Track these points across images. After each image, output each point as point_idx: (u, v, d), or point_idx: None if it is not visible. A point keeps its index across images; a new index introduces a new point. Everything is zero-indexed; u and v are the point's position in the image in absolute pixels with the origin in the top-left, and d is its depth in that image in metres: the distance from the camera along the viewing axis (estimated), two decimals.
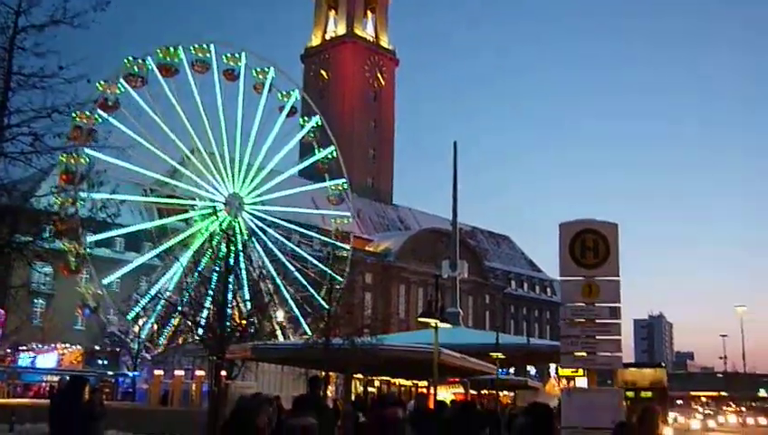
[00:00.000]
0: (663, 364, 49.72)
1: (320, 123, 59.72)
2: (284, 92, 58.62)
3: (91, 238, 49.00)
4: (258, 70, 56.98)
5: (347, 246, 59.91)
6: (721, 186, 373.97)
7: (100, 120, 48.48)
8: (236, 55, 56.21)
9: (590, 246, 7.62)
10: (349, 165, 63.58)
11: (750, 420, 76.75)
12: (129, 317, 49.78)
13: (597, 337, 7.59)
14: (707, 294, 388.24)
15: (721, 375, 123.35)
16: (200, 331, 25.92)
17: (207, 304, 25.77)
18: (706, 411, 79.55)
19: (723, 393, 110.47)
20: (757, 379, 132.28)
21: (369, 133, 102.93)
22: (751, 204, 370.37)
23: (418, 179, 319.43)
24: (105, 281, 51.14)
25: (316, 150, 59.88)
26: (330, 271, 35.88)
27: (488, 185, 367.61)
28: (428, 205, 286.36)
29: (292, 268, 51.59)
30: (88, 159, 40.60)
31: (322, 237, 60.24)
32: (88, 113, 45.92)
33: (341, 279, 53.32)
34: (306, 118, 60.04)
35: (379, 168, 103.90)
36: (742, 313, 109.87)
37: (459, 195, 47.37)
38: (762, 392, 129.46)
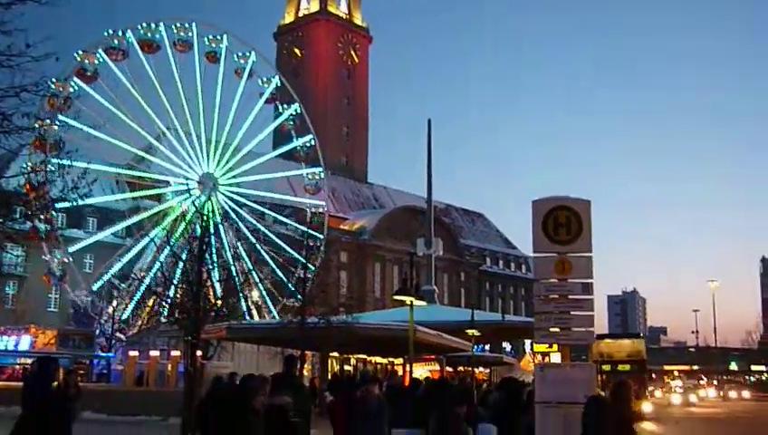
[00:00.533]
0: (642, 335, 45.75)
1: (298, 111, 59.40)
2: (264, 79, 58.33)
3: (61, 205, 48.59)
4: (239, 55, 56.71)
5: (321, 236, 59.88)
6: (694, 166, 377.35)
7: (76, 87, 48.06)
8: (218, 37, 55.77)
9: (563, 222, 7.65)
10: (323, 143, 63.29)
11: (732, 394, 74.00)
12: (107, 305, 49.51)
13: (570, 313, 7.63)
14: (680, 269, 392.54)
15: (693, 349, 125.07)
16: (175, 311, 25.83)
17: (182, 284, 25.65)
18: (686, 385, 75.60)
19: (695, 367, 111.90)
20: (728, 352, 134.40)
21: (342, 111, 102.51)
22: (718, 184, 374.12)
23: (393, 157, 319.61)
24: (72, 249, 50.68)
25: (294, 137, 59.61)
26: (301, 258, 35.75)
27: (463, 162, 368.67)
28: (403, 183, 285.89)
29: (266, 249, 51.48)
30: (61, 127, 40.32)
31: (296, 225, 60.06)
32: (64, 81, 45.54)
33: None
34: (285, 105, 59.54)
35: (353, 146, 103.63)
36: (714, 288, 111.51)
37: (434, 172, 47.48)
38: (733, 365, 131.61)
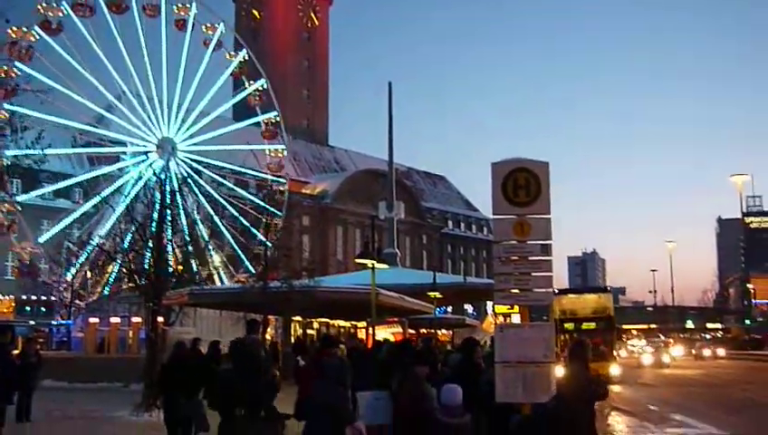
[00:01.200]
0: (609, 288, 40.65)
1: (247, 57, 58.46)
2: (209, 25, 56.62)
3: (22, 198, 47.97)
4: (180, 6, 55.06)
5: (283, 180, 59.40)
6: (652, 126, 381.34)
7: (37, 37, 47.39)
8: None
9: (522, 184, 7.68)
10: (282, 106, 62.65)
11: (706, 352, 68.26)
12: (66, 272, 48.94)
13: (529, 274, 7.70)
14: (639, 230, 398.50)
15: (651, 308, 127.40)
16: (135, 277, 25.64)
17: (142, 250, 25.43)
18: (656, 344, 68.16)
19: (652, 326, 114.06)
20: (685, 311, 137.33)
21: (302, 74, 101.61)
22: (674, 146, 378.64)
23: (354, 120, 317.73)
24: (41, 239, 50.16)
25: (246, 85, 58.72)
26: (267, 205, 35.51)
27: (424, 125, 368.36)
28: (364, 146, 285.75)
29: (227, 214, 51.14)
30: (21, 76, 39.48)
31: (258, 173, 59.50)
32: (26, 30, 44.76)
33: (280, 214, 53.07)
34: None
35: (313, 109, 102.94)
36: (671, 248, 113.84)
37: (395, 135, 47.49)
38: (689, 324, 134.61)
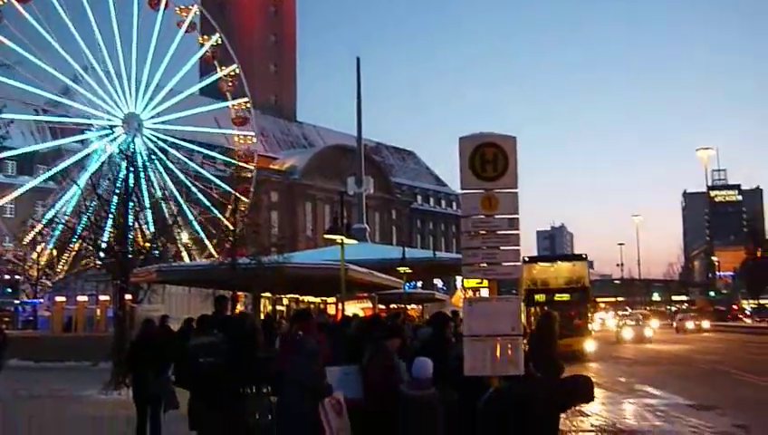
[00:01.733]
0: (585, 256, 35.94)
1: (220, 41, 57.90)
2: (182, 7, 56.42)
3: None
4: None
5: (251, 166, 59.05)
6: (615, 101, 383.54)
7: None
8: None
9: (490, 159, 7.68)
10: (250, 81, 62.11)
11: (690, 325, 62.14)
12: (25, 243, 48.30)
13: (497, 248, 7.73)
14: (607, 205, 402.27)
15: (618, 281, 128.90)
16: (102, 255, 25.42)
17: (108, 227, 25.21)
18: (636, 316, 61.48)
19: (620, 299, 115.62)
20: (651, 284, 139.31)
21: (270, 48, 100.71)
22: (639, 119, 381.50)
23: (323, 96, 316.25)
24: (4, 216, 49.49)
25: (218, 69, 58.18)
26: (234, 192, 35.33)
27: (393, 101, 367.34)
28: (333, 121, 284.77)
29: (196, 189, 50.70)
30: None
31: (226, 158, 59.10)
32: None
33: (247, 199, 52.75)
34: (206, 36, 57.98)
35: (281, 84, 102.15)
36: (638, 222, 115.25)
37: (364, 111, 47.22)
38: (655, 296, 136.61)
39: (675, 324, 65.87)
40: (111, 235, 24.40)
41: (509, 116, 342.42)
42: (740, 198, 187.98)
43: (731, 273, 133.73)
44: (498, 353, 7.46)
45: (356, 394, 9.32)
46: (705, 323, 64.84)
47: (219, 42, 57.72)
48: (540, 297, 31.78)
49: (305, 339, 9.27)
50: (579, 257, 36.85)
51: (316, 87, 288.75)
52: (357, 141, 49.23)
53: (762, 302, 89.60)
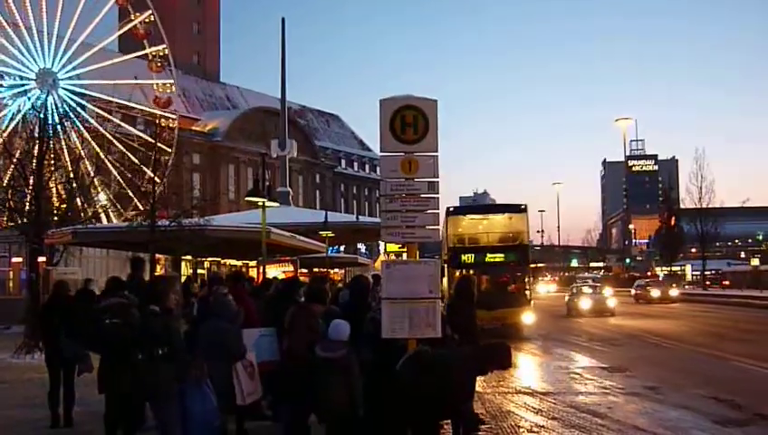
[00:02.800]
0: (524, 206, 28.25)
1: (152, 19, 55.99)
2: None
3: None
4: None
5: (173, 115, 57.64)
6: (542, 69, 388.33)
7: None
8: None
9: (410, 122, 7.68)
10: (171, 40, 60.35)
11: (655, 293, 51.69)
12: None
13: (416, 211, 7.76)
14: (529, 171, 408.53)
15: (538, 247, 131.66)
16: (15, 216, 24.68)
17: (21, 187, 24.44)
18: (593, 282, 55.04)
19: (540, 265, 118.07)
20: (569, 250, 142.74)
21: (192, 8, 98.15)
22: (563, 88, 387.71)
23: (247, 57, 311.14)
24: None
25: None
26: (156, 142, 34.42)
27: (318, 63, 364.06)
28: (257, 83, 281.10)
29: (113, 150, 49.34)
30: None
31: (145, 108, 57.52)
32: None
33: (170, 150, 51.67)
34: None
35: (204, 44, 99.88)
36: (559, 190, 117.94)
37: (288, 73, 46.87)
38: (573, 262, 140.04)
39: (633, 292, 54.46)
40: (25, 195, 23.67)
41: (435, 80, 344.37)
42: (656, 167, 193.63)
43: (646, 240, 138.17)
44: (416, 316, 7.52)
45: (273, 356, 9.32)
46: (674, 292, 53.04)
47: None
48: (467, 258, 25.75)
49: (223, 302, 9.21)
50: (516, 208, 28.12)
51: (241, 48, 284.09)
52: (281, 104, 48.78)
53: (674, 269, 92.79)
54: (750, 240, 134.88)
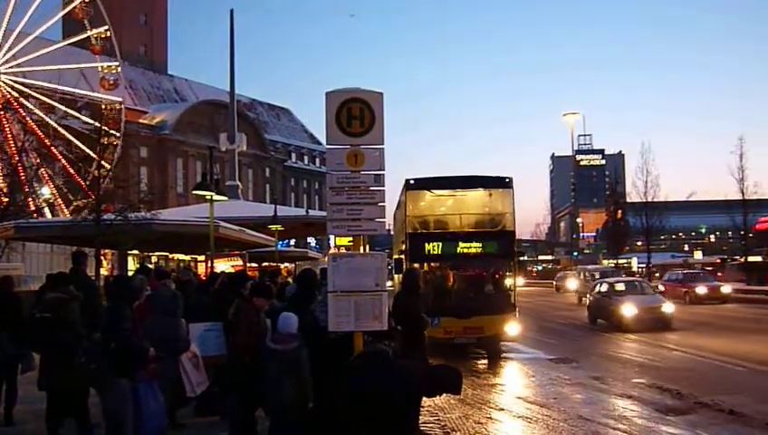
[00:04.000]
0: (508, 179, 19.86)
1: None
2: None
3: None
4: None
5: (118, 99, 56.69)
6: (487, 61, 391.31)
7: None
8: None
9: (356, 114, 7.67)
10: (117, 30, 59.45)
11: (701, 290, 38.35)
12: None
13: (362, 204, 7.75)
14: (479, 164, 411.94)
15: None
16: None
17: None
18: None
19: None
20: (519, 243, 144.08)
21: None
22: (512, 82, 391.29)
23: (195, 49, 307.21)
24: None
25: (87, 27, 55.31)
26: (102, 126, 33.70)
27: (269, 56, 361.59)
28: (206, 76, 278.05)
29: (56, 143, 48.40)
30: None
31: (91, 93, 56.43)
32: None
33: (117, 134, 50.89)
34: None
35: (151, 35, 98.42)
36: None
37: (238, 66, 46.43)
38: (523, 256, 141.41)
39: (661, 287, 39.71)
40: None
41: (383, 73, 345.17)
42: (603, 162, 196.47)
43: (593, 234, 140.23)
44: (362, 309, 7.52)
45: (218, 350, 9.26)
46: (726, 288, 39.81)
47: None
48: (433, 248, 19.00)
49: (160, 295, 9.13)
50: (499, 182, 20.05)
51: (189, 40, 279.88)
52: (230, 97, 48.32)
53: (620, 262, 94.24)
54: (694, 233, 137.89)
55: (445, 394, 6.75)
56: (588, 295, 32.22)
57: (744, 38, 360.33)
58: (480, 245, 19.12)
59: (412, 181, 19.54)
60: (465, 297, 19.10)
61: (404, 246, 19.11)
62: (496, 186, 20.11)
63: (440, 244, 19.09)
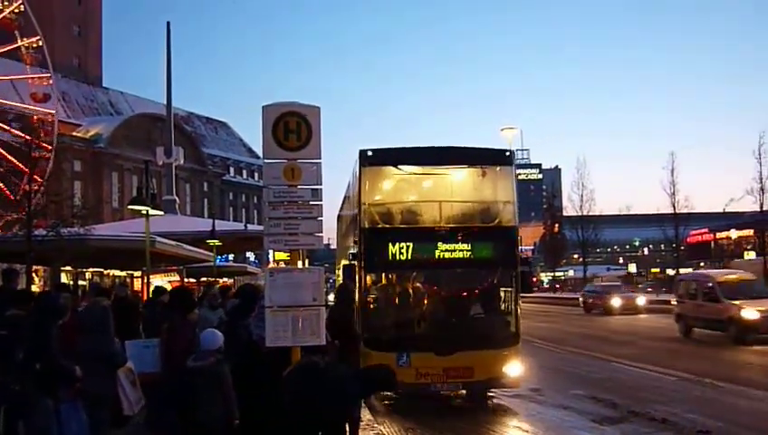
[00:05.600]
0: (509, 152, 14.69)
1: (22, 9, 53.73)
2: None
3: None
4: None
5: (51, 110, 55.42)
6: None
7: None
8: None
9: (293, 128, 7.67)
10: (49, 41, 58.24)
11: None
12: None
13: (300, 218, 7.74)
14: None
15: None
16: None
17: None
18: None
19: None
20: None
21: (72, 8, 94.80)
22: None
23: (131, 61, 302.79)
24: None
25: (17, 37, 54.02)
26: (32, 139, 32.90)
27: (207, 70, 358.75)
28: (142, 89, 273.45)
29: None
30: None
31: (20, 105, 55.05)
32: None
33: (50, 147, 49.70)
34: (6, 2, 53.50)
35: (85, 47, 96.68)
36: None
37: (175, 79, 45.90)
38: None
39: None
40: None
41: (319, 87, 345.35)
42: (540, 176, 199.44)
43: (531, 247, 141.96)
44: (299, 324, 7.50)
45: (154, 368, 9.10)
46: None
47: (21, 9, 53.35)
48: (399, 251, 13.16)
49: (90, 312, 8.97)
50: (496, 156, 14.92)
51: (124, 52, 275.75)
52: (167, 110, 47.74)
53: (557, 274, 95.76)
54: (628, 246, 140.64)
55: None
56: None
57: (678, 53, 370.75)
58: (468, 247, 13.28)
59: (370, 153, 13.56)
60: (445, 324, 13.54)
61: (356, 248, 13.35)
62: (492, 162, 14.65)
63: (410, 245, 13.13)
